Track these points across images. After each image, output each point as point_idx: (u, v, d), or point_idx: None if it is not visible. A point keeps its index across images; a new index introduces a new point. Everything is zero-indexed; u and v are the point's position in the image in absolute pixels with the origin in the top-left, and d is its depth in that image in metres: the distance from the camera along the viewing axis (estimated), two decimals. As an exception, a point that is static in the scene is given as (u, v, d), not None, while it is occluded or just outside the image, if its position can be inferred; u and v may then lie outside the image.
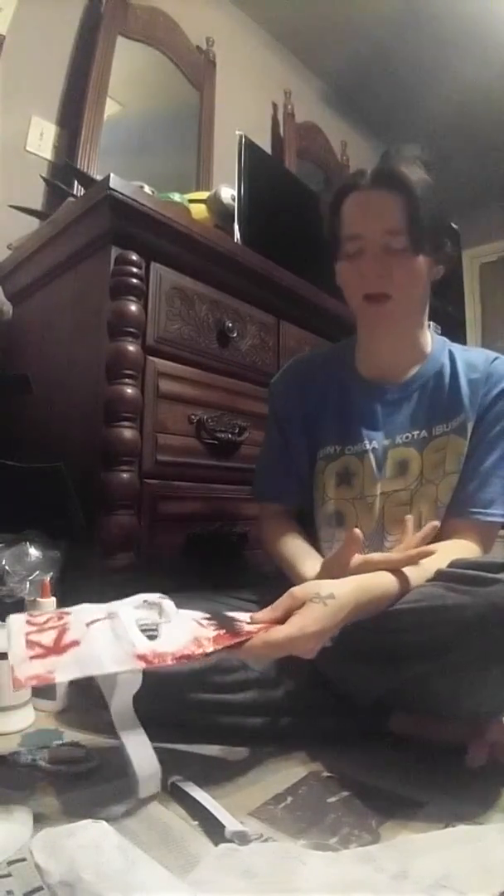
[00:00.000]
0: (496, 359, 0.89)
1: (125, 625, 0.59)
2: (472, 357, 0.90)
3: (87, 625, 0.59)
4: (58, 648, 0.55)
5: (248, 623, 0.64)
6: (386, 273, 0.81)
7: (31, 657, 0.54)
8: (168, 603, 0.65)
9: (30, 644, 0.56)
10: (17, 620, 0.60)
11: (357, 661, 0.74)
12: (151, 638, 0.59)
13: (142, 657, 0.56)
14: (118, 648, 0.56)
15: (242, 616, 0.66)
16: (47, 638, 0.57)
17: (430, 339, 0.93)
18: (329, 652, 0.79)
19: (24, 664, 0.53)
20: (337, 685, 0.76)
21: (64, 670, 0.54)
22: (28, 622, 0.60)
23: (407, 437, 0.88)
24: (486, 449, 0.84)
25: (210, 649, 0.59)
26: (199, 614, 0.65)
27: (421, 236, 0.80)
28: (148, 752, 0.62)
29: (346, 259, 0.85)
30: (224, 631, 0.62)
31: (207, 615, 0.66)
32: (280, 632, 0.61)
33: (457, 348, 0.93)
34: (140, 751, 0.62)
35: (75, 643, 0.56)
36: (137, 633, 0.58)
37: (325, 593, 0.64)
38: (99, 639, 0.57)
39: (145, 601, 0.65)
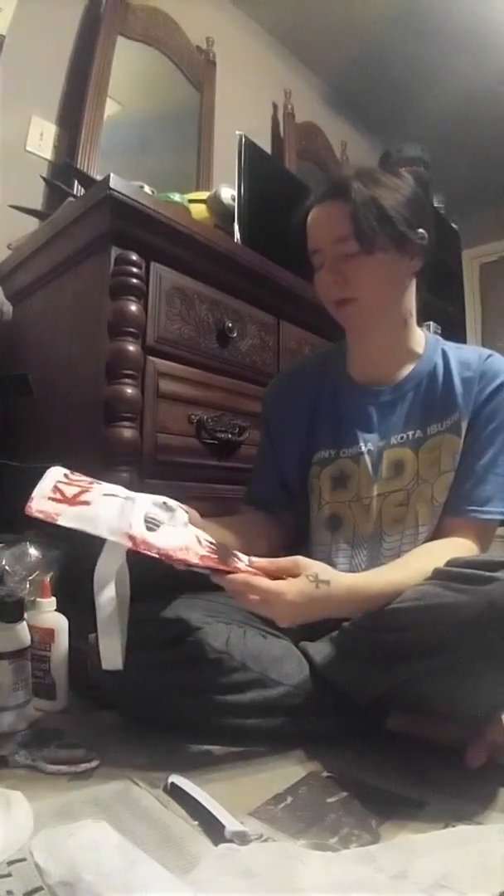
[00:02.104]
0: (490, 356, 0.89)
1: (134, 509, 0.65)
2: (465, 355, 0.90)
3: (104, 495, 0.66)
4: (72, 501, 0.64)
5: (245, 564, 0.68)
6: (342, 279, 0.84)
7: (50, 498, 0.63)
8: (182, 515, 0.69)
9: (55, 489, 0.65)
10: (56, 470, 0.69)
11: (356, 661, 0.74)
12: (150, 529, 0.64)
13: (132, 538, 0.62)
14: (116, 521, 0.63)
15: (243, 556, 0.70)
16: (70, 491, 0.65)
17: (423, 338, 0.93)
18: (328, 652, 0.79)
19: (42, 500, 0.63)
20: (336, 685, 0.76)
21: (66, 518, 0.62)
22: (65, 475, 0.68)
23: (402, 438, 0.88)
24: (481, 447, 0.84)
25: (194, 561, 0.63)
26: (205, 536, 0.69)
27: (369, 236, 0.80)
28: (120, 623, 0.65)
29: (317, 272, 0.88)
30: (217, 557, 0.66)
31: (212, 541, 0.69)
32: (263, 582, 0.64)
33: (450, 346, 0.93)
34: (111, 618, 0.64)
35: (86, 503, 0.64)
36: (140, 519, 0.64)
37: (323, 577, 0.66)
38: (106, 508, 0.64)
39: (165, 503, 0.69)
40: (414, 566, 0.74)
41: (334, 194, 0.83)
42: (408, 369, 0.91)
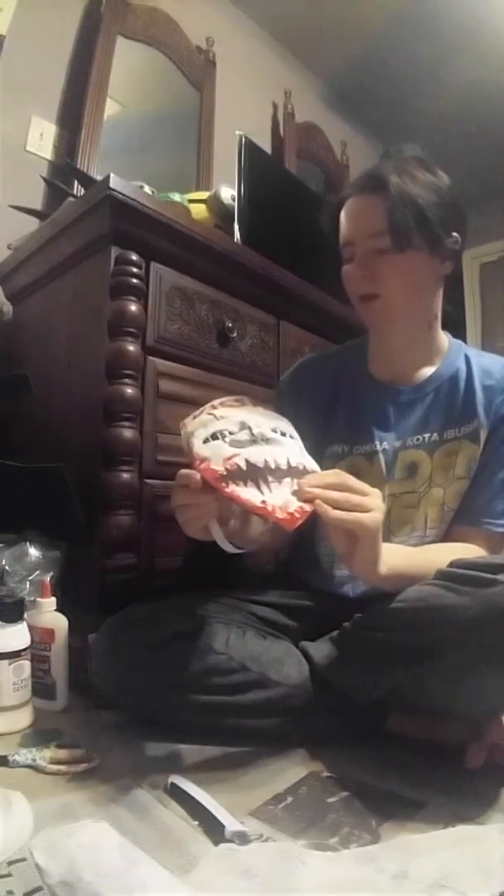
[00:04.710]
0: None
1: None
2: (487, 363, 0.90)
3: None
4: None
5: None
6: (371, 274, 0.83)
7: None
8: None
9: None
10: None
11: (356, 661, 0.74)
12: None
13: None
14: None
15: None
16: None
17: (446, 342, 0.93)
18: (328, 652, 0.79)
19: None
20: (336, 685, 0.76)
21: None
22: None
23: (418, 440, 0.87)
24: (499, 459, 0.84)
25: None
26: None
27: (404, 234, 0.79)
28: None
29: (345, 264, 0.87)
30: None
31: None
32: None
33: (472, 353, 0.92)
34: None
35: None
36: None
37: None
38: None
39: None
40: (429, 556, 0.76)
41: (372, 187, 0.81)
42: (429, 371, 0.90)
